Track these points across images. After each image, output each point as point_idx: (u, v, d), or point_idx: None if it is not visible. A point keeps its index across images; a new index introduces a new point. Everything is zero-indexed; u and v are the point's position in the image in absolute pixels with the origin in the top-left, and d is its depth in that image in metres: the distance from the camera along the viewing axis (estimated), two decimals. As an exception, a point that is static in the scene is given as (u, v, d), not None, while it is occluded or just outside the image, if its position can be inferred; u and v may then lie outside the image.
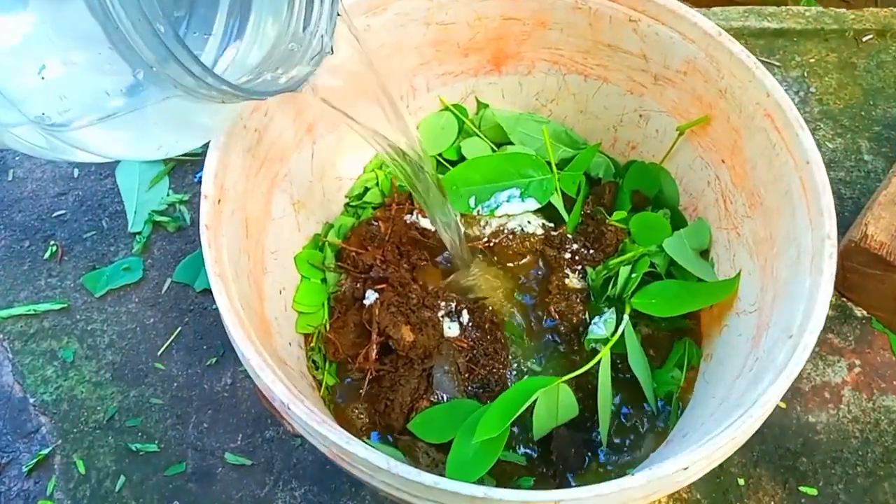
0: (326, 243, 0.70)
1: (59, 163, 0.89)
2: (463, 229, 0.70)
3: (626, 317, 0.62)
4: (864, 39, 0.96)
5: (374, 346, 0.64)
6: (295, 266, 0.68)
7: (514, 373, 0.66)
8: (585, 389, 0.63)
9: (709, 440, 0.43)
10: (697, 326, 0.66)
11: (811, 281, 0.49)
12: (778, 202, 0.56)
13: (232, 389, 0.75)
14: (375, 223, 0.71)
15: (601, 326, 0.62)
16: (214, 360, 0.76)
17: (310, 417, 0.44)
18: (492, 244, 0.70)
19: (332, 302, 0.69)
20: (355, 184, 0.74)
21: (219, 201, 0.53)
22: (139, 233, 0.84)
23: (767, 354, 0.50)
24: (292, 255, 0.68)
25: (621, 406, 0.64)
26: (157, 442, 0.72)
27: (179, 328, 0.78)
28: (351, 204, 0.74)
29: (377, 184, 0.74)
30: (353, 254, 0.68)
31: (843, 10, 0.98)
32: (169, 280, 0.81)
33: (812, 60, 0.95)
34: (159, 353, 0.77)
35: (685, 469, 0.42)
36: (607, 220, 0.69)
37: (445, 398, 0.63)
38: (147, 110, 0.40)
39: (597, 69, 0.68)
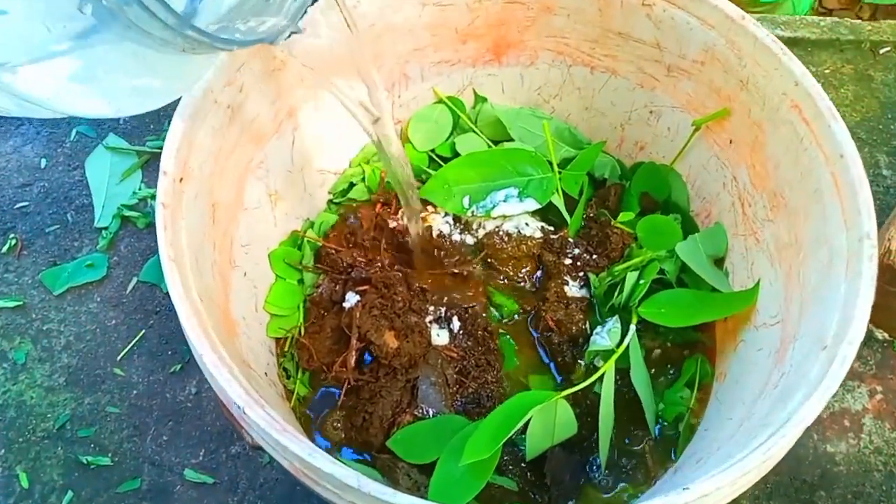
0: (305, 241, 0.64)
1: (25, 153, 0.83)
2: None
3: (632, 326, 0.56)
4: (881, 52, 0.92)
5: (354, 353, 0.57)
6: (269, 264, 0.62)
7: (508, 387, 0.60)
8: (583, 406, 0.57)
9: (734, 464, 0.37)
10: (710, 342, 0.60)
11: (847, 286, 0.43)
12: (805, 202, 0.51)
13: (196, 399, 0.68)
14: (359, 221, 0.65)
15: (605, 336, 0.56)
16: (179, 366, 0.69)
17: (268, 424, 0.37)
18: (484, 245, 0.64)
19: (309, 304, 0.62)
20: (339, 179, 0.68)
21: (180, 180, 0.47)
22: (106, 228, 0.77)
23: (796, 369, 0.44)
24: (266, 252, 0.62)
25: (623, 426, 0.57)
26: (110, 455, 0.65)
27: (143, 331, 0.72)
28: (334, 200, 0.69)
29: (363, 179, 0.68)
30: (333, 251, 0.62)
31: (859, 20, 0.94)
32: (135, 279, 0.75)
33: (827, 71, 0.91)
34: (119, 357, 0.70)
35: (706, 496, 0.36)
36: (612, 223, 0.63)
37: (431, 413, 0.56)
38: (99, 59, 0.37)
39: (605, 60, 0.63)
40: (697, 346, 0.61)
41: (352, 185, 0.68)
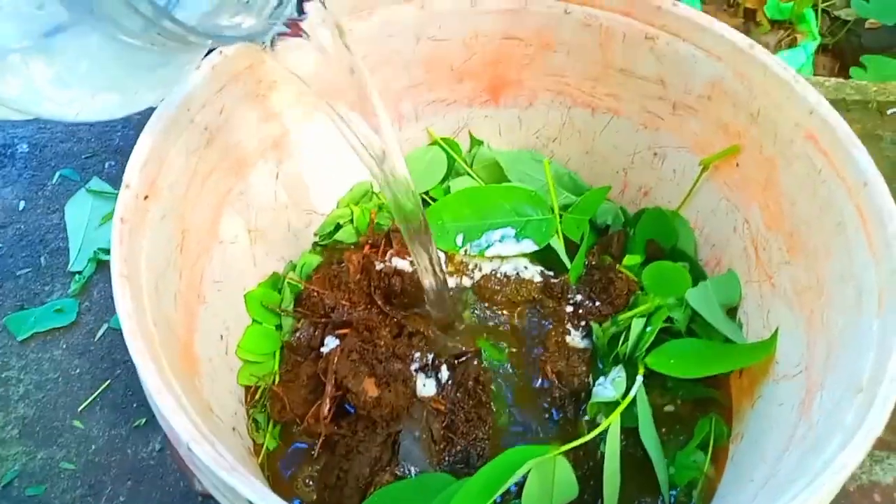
0: (286, 283, 0.60)
1: (4, 195, 0.80)
2: (445, 276, 0.60)
3: (639, 377, 0.51)
4: (888, 112, 0.90)
5: (328, 402, 0.52)
6: (245, 305, 0.57)
7: (501, 444, 0.54)
8: (585, 468, 0.51)
9: (763, 520, 0.31)
10: (725, 399, 0.55)
11: (881, 322, 0.39)
12: (825, 239, 0.46)
13: (160, 457, 0.62)
14: (344, 264, 0.61)
15: (608, 387, 0.50)
16: (143, 420, 0.64)
17: (215, 462, 0.32)
18: (480, 287, 0.59)
19: (285, 350, 0.57)
20: (326, 220, 0.65)
21: (145, 197, 0.43)
22: (80, 272, 0.73)
23: (827, 418, 0.39)
24: (243, 292, 0.57)
25: (630, 492, 0.51)
26: (59, 517, 0.59)
27: (108, 381, 0.66)
28: (320, 242, 0.65)
29: (352, 221, 0.64)
30: (315, 294, 0.58)
31: (865, 81, 0.92)
32: (105, 326, 0.70)
33: (834, 132, 0.88)
34: (80, 408, 0.65)
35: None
36: (617, 267, 0.59)
37: (413, 472, 0.51)
38: (64, 55, 0.34)
39: (606, 100, 0.60)
40: (710, 404, 0.55)
41: (339, 226, 0.64)
